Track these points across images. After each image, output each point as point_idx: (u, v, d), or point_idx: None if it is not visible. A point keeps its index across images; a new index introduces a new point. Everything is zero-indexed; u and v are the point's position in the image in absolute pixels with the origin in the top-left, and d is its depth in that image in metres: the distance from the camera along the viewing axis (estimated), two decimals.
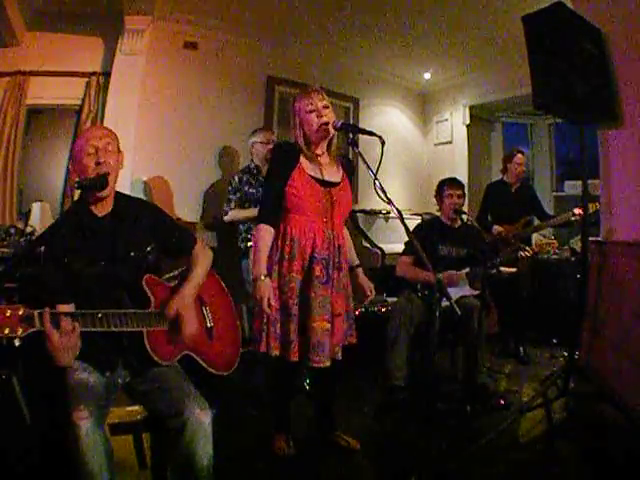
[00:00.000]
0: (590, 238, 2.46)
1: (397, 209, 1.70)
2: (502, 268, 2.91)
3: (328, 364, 1.86)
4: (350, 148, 1.94)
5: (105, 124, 3.45)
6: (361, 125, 4.59)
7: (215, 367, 1.63)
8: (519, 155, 3.81)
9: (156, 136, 3.79)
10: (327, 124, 1.89)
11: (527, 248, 2.92)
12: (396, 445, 2.18)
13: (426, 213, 4.56)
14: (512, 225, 3.68)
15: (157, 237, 1.64)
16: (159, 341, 1.48)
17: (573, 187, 4.85)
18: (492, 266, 2.84)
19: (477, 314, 2.58)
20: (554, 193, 5.32)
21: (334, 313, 1.91)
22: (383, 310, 3.28)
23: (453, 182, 2.99)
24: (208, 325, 1.68)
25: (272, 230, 1.91)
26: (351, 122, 4.71)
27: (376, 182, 1.69)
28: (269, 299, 1.82)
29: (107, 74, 3.68)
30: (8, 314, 1.16)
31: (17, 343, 1.17)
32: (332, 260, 1.92)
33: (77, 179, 1.51)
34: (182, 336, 1.51)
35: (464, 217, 3.04)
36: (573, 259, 4.15)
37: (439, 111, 5.53)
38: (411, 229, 1.93)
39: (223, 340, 1.72)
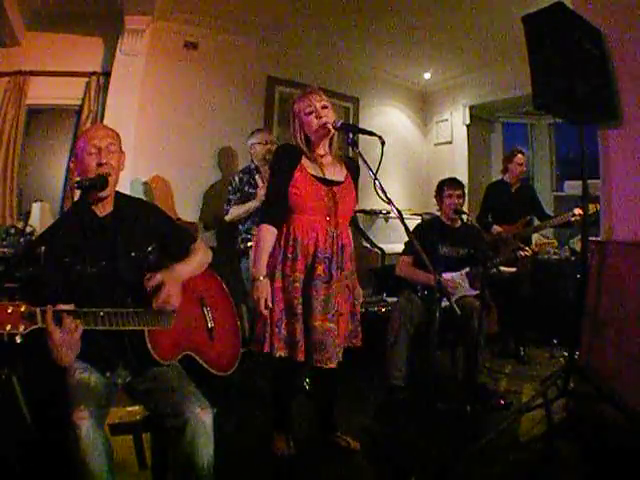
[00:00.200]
0: (590, 238, 2.46)
1: (397, 209, 1.70)
2: (502, 268, 2.92)
3: (333, 365, 1.84)
4: (350, 148, 1.94)
5: (105, 124, 3.45)
6: (361, 125, 4.59)
7: (215, 367, 1.63)
8: (519, 155, 3.81)
9: (156, 136, 3.79)
10: (326, 124, 1.89)
11: (527, 248, 2.93)
12: (396, 445, 2.18)
13: (426, 213, 4.56)
14: (512, 225, 3.68)
15: (157, 237, 1.64)
16: (160, 340, 1.48)
17: (573, 187, 4.85)
18: (492, 266, 2.84)
19: (477, 314, 2.58)
20: (554, 193, 5.32)
21: (338, 313, 1.90)
22: (383, 310, 3.28)
23: (453, 182, 2.99)
24: (209, 326, 1.68)
25: (274, 230, 1.91)
26: (351, 122, 4.71)
27: (376, 182, 1.69)
28: (266, 300, 1.82)
29: (107, 74, 3.68)
30: (10, 311, 1.16)
31: (18, 340, 1.17)
32: (335, 259, 1.91)
33: (77, 179, 1.51)
34: (157, 301, 1.47)
35: (464, 217, 3.04)
36: (573, 259, 4.15)
37: (439, 111, 5.53)
38: (411, 229, 1.93)
39: (223, 341, 1.72)
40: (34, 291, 1.31)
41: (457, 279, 2.80)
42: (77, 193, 1.56)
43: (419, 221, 3.76)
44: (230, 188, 3.30)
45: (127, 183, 3.47)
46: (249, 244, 3.16)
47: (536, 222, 3.84)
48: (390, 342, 2.64)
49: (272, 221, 1.91)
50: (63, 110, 3.77)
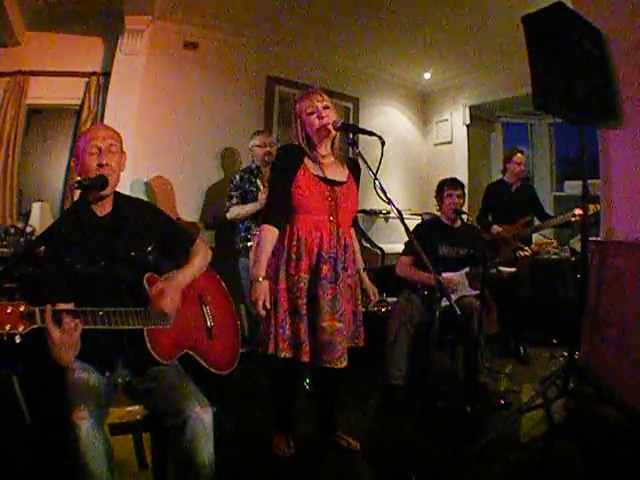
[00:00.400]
0: (590, 238, 2.46)
1: (397, 209, 1.70)
2: (502, 268, 2.92)
3: (344, 364, 1.84)
4: (350, 148, 1.94)
5: (106, 124, 3.45)
6: (361, 125, 4.59)
7: (215, 366, 1.63)
8: (518, 154, 3.82)
9: (156, 136, 3.80)
10: (327, 125, 1.89)
11: (526, 248, 2.92)
12: (396, 445, 2.18)
13: (426, 213, 4.56)
14: (512, 225, 3.68)
15: (157, 237, 1.64)
16: (159, 340, 1.48)
17: (573, 187, 4.85)
18: (492, 266, 2.84)
19: (477, 314, 2.58)
20: (554, 193, 5.32)
21: (343, 312, 1.90)
22: (383, 310, 3.28)
23: (453, 182, 2.99)
24: (208, 325, 1.68)
25: (276, 231, 1.90)
26: (351, 122, 4.71)
27: (376, 182, 1.69)
28: (264, 301, 1.82)
29: (107, 74, 3.68)
30: (9, 310, 1.16)
31: (18, 340, 1.17)
32: (340, 259, 1.91)
33: (77, 179, 1.51)
34: (153, 308, 1.48)
35: (464, 217, 3.04)
36: (573, 259, 4.15)
37: (439, 111, 5.53)
38: (411, 229, 1.93)
39: (223, 340, 1.72)
40: (34, 291, 1.31)
41: (457, 279, 2.80)
42: (77, 193, 1.56)
43: (419, 221, 3.77)
44: (231, 186, 3.33)
45: (127, 184, 3.47)
46: (249, 244, 3.17)
47: (536, 222, 3.84)
48: (390, 342, 2.64)
49: (273, 222, 1.91)
50: (63, 110, 3.78)
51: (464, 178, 4.58)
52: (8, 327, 1.15)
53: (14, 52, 3.59)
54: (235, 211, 3.26)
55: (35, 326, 1.20)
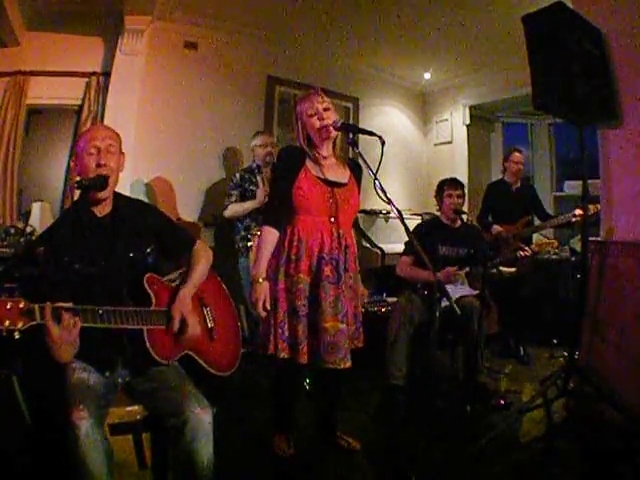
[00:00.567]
0: (590, 238, 2.46)
1: (397, 209, 1.70)
2: (502, 268, 2.92)
3: (348, 365, 1.84)
4: (350, 148, 1.94)
5: (105, 124, 3.45)
6: (361, 125, 4.59)
7: (215, 367, 1.63)
8: (516, 154, 3.82)
9: (156, 136, 3.80)
10: (327, 126, 1.89)
11: (526, 248, 2.92)
12: (396, 445, 2.18)
13: (426, 213, 4.56)
14: (512, 225, 3.68)
15: (157, 238, 1.64)
16: (159, 340, 1.48)
17: (573, 187, 4.85)
18: (492, 266, 2.84)
19: (477, 314, 2.58)
20: (554, 193, 5.32)
21: (346, 313, 1.90)
22: (383, 310, 3.28)
23: (453, 182, 2.99)
24: (209, 326, 1.68)
25: (276, 232, 1.91)
26: (351, 122, 4.71)
27: (376, 182, 1.69)
28: (264, 302, 1.82)
29: (107, 74, 3.68)
30: (9, 307, 1.16)
31: (17, 336, 1.17)
32: (341, 260, 1.91)
33: (77, 179, 1.51)
34: (184, 338, 1.52)
35: (464, 217, 3.04)
36: (573, 259, 4.15)
37: (439, 111, 5.53)
38: (411, 229, 1.93)
39: (223, 341, 1.72)
40: (33, 290, 1.31)
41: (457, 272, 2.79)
42: (77, 193, 1.56)
43: (419, 221, 3.77)
44: (231, 184, 3.34)
45: (127, 184, 3.46)
46: (249, 243, 3.17)
47: (536, 222, 3.84)
48: (390, 342, 2.64)
49: (274, 223, 1.91)
50: (63, 110, 3.77)
51: (464, 178, 4.58)
52: (7, 323, 1.15)
53: (14, 52, 3.59)
54: (233, 209, 3.27)
55: (34, 323, 1.20)
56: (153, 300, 1.51)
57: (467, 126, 5.23)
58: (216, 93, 4.10)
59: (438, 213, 3.11)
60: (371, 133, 1.78)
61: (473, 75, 5.06)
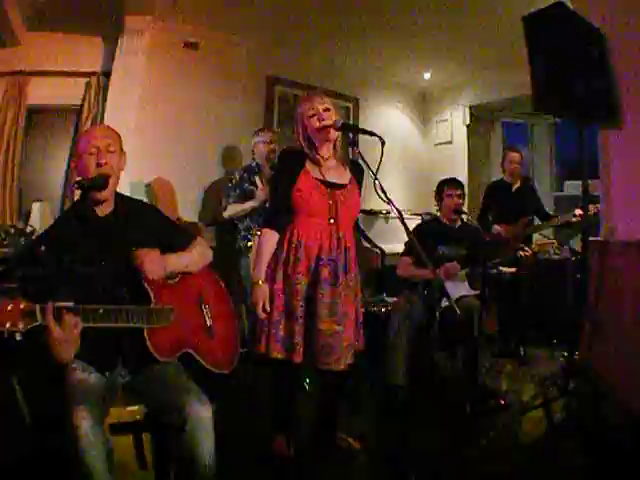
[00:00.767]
0: (590, 238, 2.46)
1: (397, 209, 1.70)
2: (502, 268, 2.92)
3: (342, 367, 1.85)
4: (350, 148, 1.94)
5: (106, 124, 3.45)
6: (361, 125, 4.59)
7: (215, 365, 1.63)
8: (511, 153, 3.83)
9: (156, 136, 3.79)
10: (327, 127, 1.89)
11: (526, 248, 2.93)
12: (396, 445, 2.18)
13: (426, 213, 4.55)
14: (512, 225, 3.68)
15: (157, 238, 1.64)
16: (159, 338, 1.48)
17: (573, 187, 4.85)
18: (492, 266, 2.84)
19: (477, 314, 2.58)
20: (554, 193, 5.32)
21: (344, 315, 1.90)
22: (383, 310, 3.28)
23: (453, 182, 3.00)
24: (207, 324, 1.68)
25: (276, 234, 1.92)
26: (351, 122, 4.71)
27: (376, 182, 1.70)
28: (264, 304, 1.83)
29: (107, 74, 3.68)
30: (9, 308, 1.16)
31: (18, 338, 1.17)
32: (340, 262, 1.91)
33: (77, 179, 1.52)
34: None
35: (464, 217, 3.04)
36: (573, 259, 4.15)
37: (439, 111, 5.53)
38: (411, 229, 1.93)
39: (222, 339, 1.72)
40: (34, 290, 1.31)
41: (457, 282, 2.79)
42: (77, 193, 1.56)
43: (419, 221, 3.77)
44: (230, 184, 3.33)
45: (127, 184, 3.46)
46: (249, 243, 3.17)
47: (536, 222, 3.84)
48: (390, 342, 2.64)
49: (274, 225, 1.92)
50: (63, 110, 3.77)
51: (464, 178, 4.58)
52: (8, 325, 1.15)
53: (14, 52, 3.59)
54: (233, 209, 3.26)
55: (36, 323, 1.20)
56: (153, 299, 1.51)
57: (467, 126, 5.23)
58: (216, 93, 4.10)
59: (438, 213, 3.11)
60: (371, 133, 1.78)
61: (473, 75, 5.05)
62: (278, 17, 3.95)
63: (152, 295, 1.52)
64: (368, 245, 4.05)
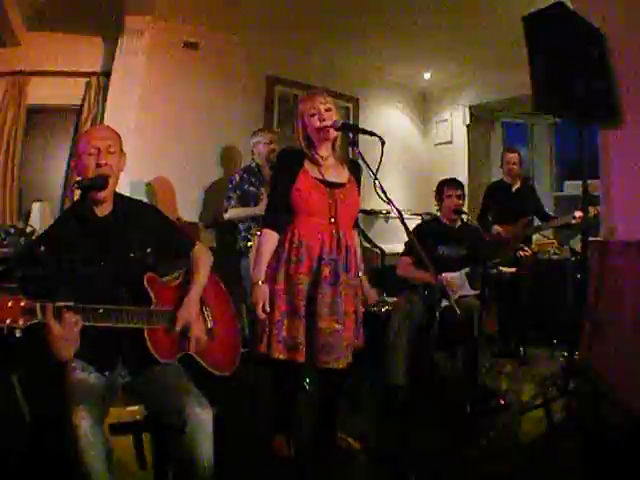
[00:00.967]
0: (590, 238, 2.46)
1: (397, 209, 1.70)
2: (502, 268, 2.91)
3: (342, 365, 1.85)
4: (350, 148, 1.94)
5: (106, 125, 3.45)
6: (361, 125, 4.58)
7: (216, 367, 1.63)
8: (508, 154, 3.84)
9: (156, 136, 3.80)
10: (328, 127, 1.89)
11: (526, 248, 2.93)
12: (396, 445, 2.18)
13: (426, 213, 4.55)
14: (512, 225, 3.68)
15: (157, 239, 1.64)
16: (160, 339, 1.48)
17: (573, 187, 4.85)
18: (492, 266, 2.84)
19: (477, 314, 2.58)
20: (554, 193, 5.32)
21: (345, 314, 1.90)
22: (383, 310, 3.28)
23: (453, 182, 2.99)
24: (208, 326, 1.68)
25: (276, 235, 1.91)
26: (351, 122, 4.71)
27: (376, 182, 1.69)
28: (264, 305, 1.83)
29: (107, 74, 3.69)
30: (10, 304, 1.16)
31: (18, 334, 1.17)
32: (341, 261, 1.91)
33: (77, 179, 1.52)
34: (188, 342, 1.54)
35: (464, 217, 3.04)
36: (573, 259, 4.15)
37: (439, 111, 5.53)
38: (411, 229, 1.93)
39: (223, 341, 1.72)
40: (34, 290, 1.31)
41: (457, 281, 2.79)
42: (77, 193, 1.57)
43: (419, 221, 3.76)
44: (230, 186, 3.32)
45: (127, 184, 3.46)
46: (249, 244, 3.17)
47: (536, 222, 3.84)
48: (390, 342, 2.64)
49: (274, 226, 1.92)
50: (63, 110, 3.77)
51: (464, 178, 4.58)
52: (9, 321, 1.15)
53: (14, 52, 3.59)
54: (233, 212, 3.26)
55: (36, 320, 1.20)
56: (153, 300, 1.51)
57: (467, 126, 5.23)
58: (216, 93, 4.10)
59: (438, 213, 3.11)
60: (371, 133, 1.78)
61: (473, 75, 5.05)
62: (278, 17, 3.94)
63: (152, 296, 1.52)
64: (368, 245, 4.05)
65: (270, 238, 1.91)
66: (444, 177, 3.12)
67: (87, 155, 1.50)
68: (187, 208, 3.87)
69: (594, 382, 2.27)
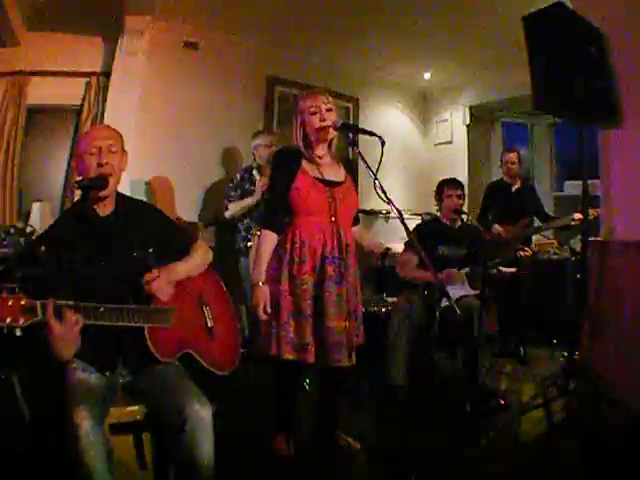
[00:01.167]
0: (590, 238, 2.46)
1: (397, 209, 1.70)
2: (502, 268, 2.91)
3: (352, 362, 1.87)
4: (350, 148, 1.94)
5: (107, 124, 3.45)
6: (361, 125, 4.58)
7: (216, 367, 1.63)
8: (507, 154, 3.84)
9: (156, 136, 3.80)
10: (328, 126, 1.89)
11: (526, 248, 2.92)
12: (396, 445, 2.18)
13: (426, 213, 4.56)
14: (512, 225, 3.68)
15: (158, 238, 1.64)
16: (160, 338, 1.48)
17: (573, 187, 4.85)
18: (492, 266, 2.84)
19: (477, 314, 2.58)
20: (554, 193, 5.32)
21: (349, 312, 1.91)
22: (383, 310, 3.28)
23: (453, 182, 2.99)
24: (208, 325, 1.68)
25: (275, 236, 1.91)
26: (351, 122, 4.71)
27: (376, 182, 1.69)
28: (265, 306, 1.83)
29: (107, 74, 3.69)
30: (10, 303, 1.16)
31: (18, 333, 1.17)
32: (342, 259, 1.92)
33: (77, 179, 1.51)
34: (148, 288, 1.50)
35: (464, 217, 3.04)
36: (573, 259, 4.15)
37: (439, 111, 5.53)
38: (411, 229, 1.93)
39: (223, 340, 1.72)
40: (34, 290, 1.31)
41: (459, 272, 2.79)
42: (77, 193, 1.56)
43: (419, 221, 3.76)
44: (231, 185, 3.34)
45: (127, 184, 3.46)
46: (249, 243, 3.17)
47: (536, 222, 3.84)
48: (390, 342, 2.64)
49: (273, 227, 1.92)
50: (63, 110, 3.77)
51: (464, 178, 4.58)
52: (9, 320, 1.15)
53: (14, 52, 3.59)
54: (232, 209, 3.26)
55: (36, 319, 1.20)
56: (153, 299, 1.51)
57: (467, 126, 5.23)
58: (216, 93, 4.10)
59: (438, 213, 3.11)
60: (371, 133, 1.78)
61: (473, 75, 5.05)
62: (278, 17, 3.94)
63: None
64: None
65: (269, 239, 1.90)
66: (444, 177, 3.12)
67: (88, 155, 1.50)
68: (187, 208, 3.87)
69: (594, 382, 2.27)
